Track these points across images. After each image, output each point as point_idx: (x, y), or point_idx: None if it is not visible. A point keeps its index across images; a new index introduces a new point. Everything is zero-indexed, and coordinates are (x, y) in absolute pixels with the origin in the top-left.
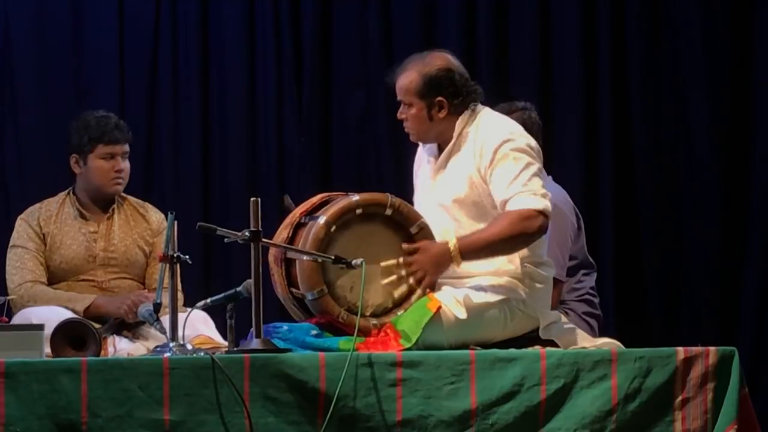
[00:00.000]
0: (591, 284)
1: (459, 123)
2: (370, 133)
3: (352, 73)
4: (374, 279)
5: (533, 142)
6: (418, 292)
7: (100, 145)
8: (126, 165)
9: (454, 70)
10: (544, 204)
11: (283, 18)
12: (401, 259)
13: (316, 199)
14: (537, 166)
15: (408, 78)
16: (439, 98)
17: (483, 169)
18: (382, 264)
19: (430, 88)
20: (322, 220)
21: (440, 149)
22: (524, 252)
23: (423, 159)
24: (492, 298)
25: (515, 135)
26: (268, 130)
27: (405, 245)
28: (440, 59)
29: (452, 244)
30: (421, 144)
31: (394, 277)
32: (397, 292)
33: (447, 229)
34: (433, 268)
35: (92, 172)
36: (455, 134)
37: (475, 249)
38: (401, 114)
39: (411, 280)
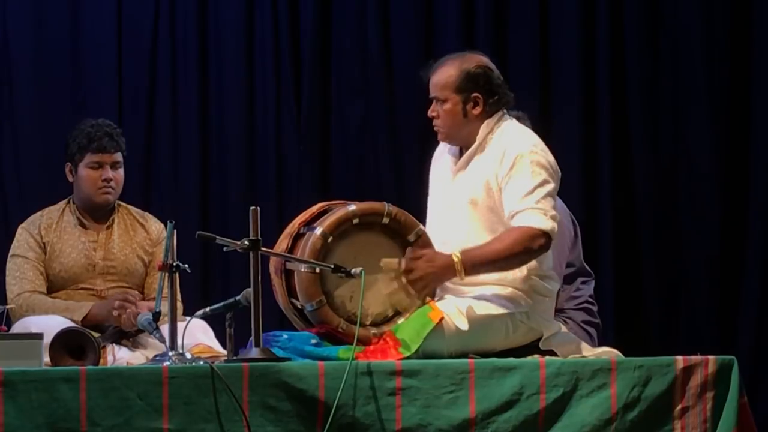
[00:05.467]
0: (590, 292)
1: (484, 127)
2: (369, 141)
3: (352, 81)
4: (373, 288)
5: (553, 160)
6: (417, 302)
7: (88, 153)
8: (117, 174)
9: (492, 69)
10: (550, 225)
11: (282, 26)
12: (402, 261)
13: (315, 209)
14: (553, 185)
15: (446, 73)
16: (476, 94)
17: (500, 177)
18: (382, 261)
19: (467, 83)
20: (318, 230)
21: (461, 151)
22: (532, 264)
23: (443, 156)
24: (496, 310)
25: (538, 149)
26: (268, 139)
27: (410, 249)
28: (479, 58)
29: (457, 257)
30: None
31: (394, 285)
32: (397, 301)
33: (459, 229)
34: (435, 279)
35: (81, 181)
36: (479, 137)
37: (479, 264)
38: (432, 111)
39: (410, 290)
